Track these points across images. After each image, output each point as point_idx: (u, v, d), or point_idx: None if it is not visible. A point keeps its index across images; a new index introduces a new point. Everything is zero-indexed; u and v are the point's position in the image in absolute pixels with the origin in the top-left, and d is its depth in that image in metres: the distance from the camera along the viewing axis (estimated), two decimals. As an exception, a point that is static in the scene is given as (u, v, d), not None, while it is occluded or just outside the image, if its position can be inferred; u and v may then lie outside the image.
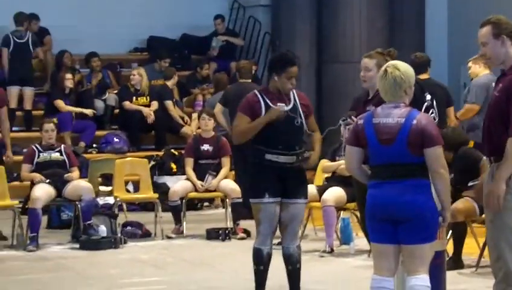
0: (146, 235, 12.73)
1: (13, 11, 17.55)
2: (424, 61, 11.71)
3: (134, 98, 16.36)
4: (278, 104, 7.85)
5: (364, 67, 8.93)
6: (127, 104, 16.37)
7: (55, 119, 14.25)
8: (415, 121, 6.70)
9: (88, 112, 16.41)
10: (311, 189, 11.55)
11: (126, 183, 13.51)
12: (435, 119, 8.53)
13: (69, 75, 16.43)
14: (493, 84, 11.21)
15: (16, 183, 12.59)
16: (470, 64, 12.76)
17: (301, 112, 7.94)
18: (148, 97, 16.53)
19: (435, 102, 9.33)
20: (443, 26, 19.26)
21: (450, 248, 9.54)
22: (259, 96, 8.02)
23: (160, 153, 15.52)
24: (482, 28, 7.48)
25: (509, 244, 6.92)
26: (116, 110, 16.85)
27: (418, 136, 6.65)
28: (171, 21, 19.54)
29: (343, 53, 17.96)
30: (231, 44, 19.70)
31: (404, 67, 7.01)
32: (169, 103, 16.32)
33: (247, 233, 12.11)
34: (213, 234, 12.26)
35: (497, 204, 6.67)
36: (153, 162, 14.67)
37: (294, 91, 8.06)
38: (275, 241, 8.34)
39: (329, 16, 18.85)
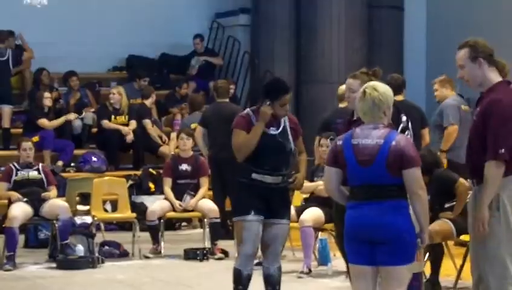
0: (123, 255, 12.73)
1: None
2: (399, 83, 11.71)
3: (112, 116, 16.32)
4: (271, 128, 7.87)
5: (349, 88, 8.86)
6: (105, 122, 16.32)
7: (35, 138, 14.28)
8: (394, 143, 6.74)
9: (72, 116, 16.41)
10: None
11: (104, 202, 13.50)
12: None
13: (47, 94, 16.38)
14: (462, 105, 11.27)
15: (-6, 201, 12.50)
16: (436, 86, 12.81)
17: (290, 135, 7.97)
18: (126, 116, 16.49)
19: (410, 123, 9.52)
20: (421, 47, 19.37)
21: (427, 270, 9.60)
22: (251, 115, 7.98)
23: (139, 173, 15.50)
24: (460, 50, 7.54)
25: (492, 268, 6.99)
26: (94, 129, 16.79)
27: (397, 158, 6.68)
28: (150, 40, 19.56)
29: (321, 73, 17.96)
30: (210, 63, 19.69)
31: (383, 89, 7.06)
32: (147, 122, 16.28)
33: (225, 253, 12.17)
34: (191, 254, 12.25)
35: (483, 230, 6.78)
36: (131, 182, 14.66)
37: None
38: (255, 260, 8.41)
39: (308, 36, 18.85)
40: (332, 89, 11.36)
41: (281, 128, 7.92)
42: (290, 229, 8.18)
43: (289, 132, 7.97)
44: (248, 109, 8.22)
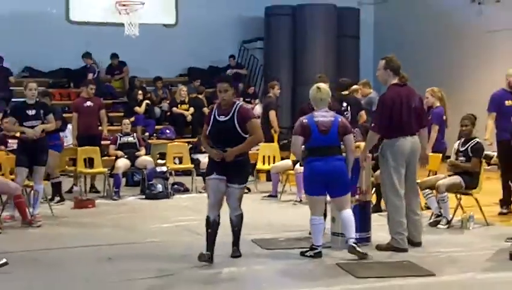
0: (186, 190, 12.98)
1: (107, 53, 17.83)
2: (346, 84, 11.84)
3: (179, 105, 16.56)
4: (221, 116, 7.19)
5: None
6: (174, 109, 16.61)
7: (131, 119, 14.52)
8: (339, 119, 7.63)
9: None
10: (287, 162, 11.83)
11: (174, 158, 13.67)
12: (348, 118, 9.78)
13: (140, 92, 16.66)
14: (377, 97, 11.39)
15: (106, 158, 12.69)
16: (359, 87, 13.11)
17: (236, 121, 7.13)
18: (187, 105, 16.71)
19: (349, 108, 10.90)
20: (370, 62, 19.34)
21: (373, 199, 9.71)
22: (214, 108, 7.36)
23: (195, 140, 15.44)
24: (381, 61, 8.12)
25: (382, 186, 8.14)
26: (168, 113, 16.98)
27: (341, 129, 7.54)
28: (202, 57, 19.64)
29: (309, 79, 17.81)
30: (239, 73, 19.74)
31: (326, 87, 7.92)
32: (204, 110, 16.24)
33: (248, 189, 12.15)
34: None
35: (366, 162, 8.25)
36: (190, 145, 14.73)
37: (238, 105, 7.33)
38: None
39: (301, 56, 19.04)
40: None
41: (229, 116, 7.13)
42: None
43: (235, 119, 7.12)
44: (217, 103, 7.44)
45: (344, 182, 7.63)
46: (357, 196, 8.14)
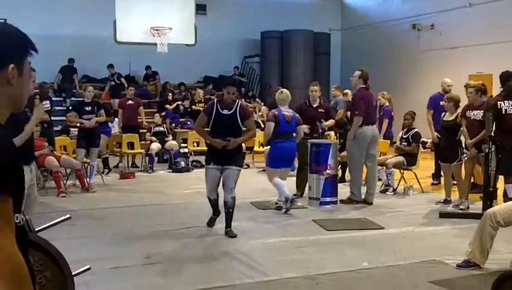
0: (202, 166, 12.61)
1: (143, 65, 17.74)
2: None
3: (197, 104, 16.44)
4: (224, 110, 6.26)
5: (314, 90, 8.98)
6: (194, 107, 16.45)
7: (162, 114, 14.45)
8: (297, 115, 7.83)
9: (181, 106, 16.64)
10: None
11: (193, 142, 13.60)
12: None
13: (170, 94, 16.57)
14: (342, 98, 11.06)
15: (143, 142, 12.64)
16: (332, 90, 12.87)
17: (238, 116, 6.27)
18: (203, 104, 16.56)
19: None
20: (337, 74, 19.38)
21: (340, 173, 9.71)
22: (215, 103, 6.42)
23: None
24: (356, 71, 8.12)
25: (351, 160, 8.33)
26: (189, 110, 16.88)
27: (298, 121, 7.79)
28: (214, 68, 19.46)
29: (294, 83, 17.95)
30: (241, 80, 19.58)
31: (287, 91, 8.20)
32: None
33: (248, 165, 12.12)
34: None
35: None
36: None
37: (239, 103, 6.44)
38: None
39: (287, 67, 18.94)
40: (301, 92, 11.26)
41: (232, 111, 6.25)
42: (239, 173, 6.41)
43: (238, 114, 6.26)
44: (215, 98, 6.68)
45: (293, 158, 8.21)
46: (327, 171, 8.15)
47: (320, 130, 8.76)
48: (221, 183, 6.48)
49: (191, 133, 13.69)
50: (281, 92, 8.21)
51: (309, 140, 8.41)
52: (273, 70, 19.28)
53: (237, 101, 6.43)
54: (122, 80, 17.15)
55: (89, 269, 3.24)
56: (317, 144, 8.34)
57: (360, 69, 8.54)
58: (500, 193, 7.72)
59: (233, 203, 6.39)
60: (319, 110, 8.86)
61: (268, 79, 18.94)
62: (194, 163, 12.74)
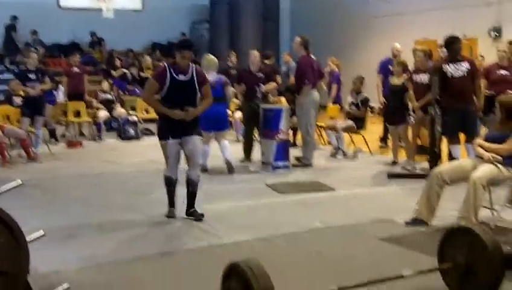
0: (152, 134, 12.62)
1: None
2: (266, 55, 11.40)
3: (145, 71, 16.11)
4: (180, 75, 5.45)
5: (253, 54, 9.08)
6: (142, 74, 16.14)
7: (110, 81, 14.18)
8: (223, 79, 7.83)
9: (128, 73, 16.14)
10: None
11: (142, 110, 13.40)
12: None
13: (117, 60, 16.19)
14: (293, 64, 10.96)
15: (89, 110, 12.37)
16: (284, 56, 12.80)
17: (196, 82, 5.51)
18: (152, 71, 16.24)
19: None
20: (287, 40, 19.38)
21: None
22: (167, 67, 5.54)
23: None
24: (297, 38, 8.15)
25: (303, 123, 8.42)
26: (137, 77, 16.54)
27: (225, 85, 7.84)
28: (162, 34, 19.19)
29: (244, 49, 17.61)
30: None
31: (213, 58, 8.25)
32: None
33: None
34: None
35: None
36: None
37: (194, 67, 5.60)
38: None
39: (236, 32, 18.78)
40: (245, 56, 11.16)
41: (189, 76, 5.47)
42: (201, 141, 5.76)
43: (195, 79, 5.51)
44: (164, 63, 5.86)
45: (223, 121, 8.25)
46: (280, 136, 8.23)
47: (259, 95, 8.87)
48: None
49: (140, 101, 13.48)
50: (205, 58, 8.43)
51: (262, 105, 8.52)
52: (223, 36, 19.06)
53: (191, 64, 5.60)
54: (40, 48, 16.64)
55: (43, 235, 3.22)
56: (269, 109, 8.41)
57: (302, 36, 8.65)
58: (444, 154, 7.98)
59: (198, 181, 5.73)
60: (258, 75, 8.95)
61: (217, 45, 18.76)
62: (144, 131, 12.61)
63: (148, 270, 4.31)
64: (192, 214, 5.69)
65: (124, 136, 11.97)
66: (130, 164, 9.12)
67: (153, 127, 12.88)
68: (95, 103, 12.47)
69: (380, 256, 4.59)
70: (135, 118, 12.56)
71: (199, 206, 5.82)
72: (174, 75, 5.46)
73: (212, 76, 7.83)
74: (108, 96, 12.78)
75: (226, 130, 8.51)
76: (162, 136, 5.61)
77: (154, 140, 11.64)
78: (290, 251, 4.72)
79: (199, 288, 3.92)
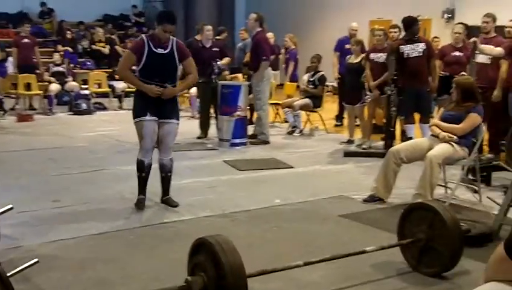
0: (104, 108, 12.58)
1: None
2: (219, 30, 11.07)
3: (97, 43, 15.81)
4: (159, 49, 5.04)
5: (208, 29, 9.05)
6: (93, 46, 15.80)
7: (62, 53, 13.85)
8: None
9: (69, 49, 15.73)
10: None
11: (94, 84, 13.16)
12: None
13: (68, 32, 15.79)
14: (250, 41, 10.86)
15: (40, 83, 12.09)
16: (241, 32, 12.37)
17: (176, 56, 5.09)
18: (104, 43, 15.97)
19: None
20: (242, 14, 19.28)
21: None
22: (145, 40, 5.09)
23: (110, 70, 14.51)
24: (252, 14, 8.19)
25: (260, 101, 8.45)
26: (88, 49, 16.19)
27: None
28: (114, 6, 18.86)
29: (195, 22, 17.52)
30: (138, 21, 19.06)
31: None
32: (116, 46, 15.65)
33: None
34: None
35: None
36: (107, 74, 14.21)
37: (174, 40, 5.15)
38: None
39: (192, 7, 18.57)
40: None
41: (168, 50, 5.06)
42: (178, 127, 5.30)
43: (176, 53, 5.10)
44: (144, 35, 5.29)
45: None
46: (238, 112, 8.23)
47: (216, 70, 8.83)
48: None
49: (92, 74, 13.26)
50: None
51: (220, 82, 8.51)
52: (177, 11, 18.66)
53: (172, 38, 5.14)
54: None
55: (11, 208, 3.16)
56: (228, 86, 8.40)
57: (257, 12, 8.66)
58: (397, 133, 8.16)
59: (172, 166, 5.33)
60: (213, 49, 8.92)
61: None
62: (96, 105, 12.42)
63: (110, 246, 4.28)
64: (167, 201, 5.34)
65: (75, 110, 11.74)
66: (83, 139, 8.96)
67: (105, 101, 12.78)
68: (46, 75, 12.16)
69: (340, 232, 4.68)
70: (87, 92, 12.34)
71: (159, 183, 5.76)
72: (153, 48, 5.04)
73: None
74: (60, 69, 12.48)
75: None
76: (138, 114, 5.13)
77: (106, 115, 11.89)
78: (251, 227, 4.75)
79: (164, 263, 3.91)
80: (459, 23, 8.64)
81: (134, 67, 5.24)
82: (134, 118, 5.18)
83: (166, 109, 5.15)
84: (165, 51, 5.07)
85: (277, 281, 3.50)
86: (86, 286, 3.56)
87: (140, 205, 5.24)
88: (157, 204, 5.36)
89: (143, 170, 5.25)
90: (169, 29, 5.04)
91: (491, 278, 1.94)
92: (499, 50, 6.89)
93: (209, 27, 9.12)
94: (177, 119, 5.27)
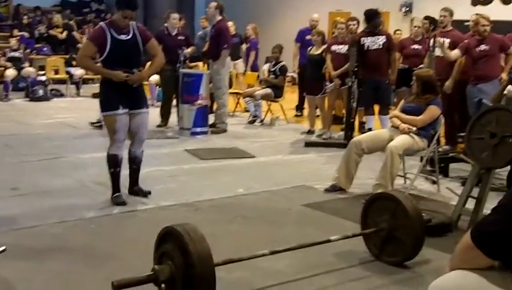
0: (62, 95, 12.36)
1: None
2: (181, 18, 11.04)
3: (54, 29, 15.47)
4: (121, 35, 4.82)
5: (174, 17, 8.96)
6: (51, 32, 15.46)
7: (18, 38, 13.48)
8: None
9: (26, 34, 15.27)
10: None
11: (51, 70, 12.91)
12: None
13: (25, 17, 15.37)
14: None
15: (-4, 68, 11.82)
16: (202, 21, 12.22)
17: (140, 40, 4.90)
18: (61, 29, 15.65)
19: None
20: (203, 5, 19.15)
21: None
22: (105, 27, 4.83)
23: (67, 56, 14.40)
24: (212, 3, 8.16)
25: (220, 90, 8.49)
26: (45, 35, 15.83)
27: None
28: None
29: (158, 12, 17.04)
30: (98, 9, 18.75)
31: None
32: (73, 32, 15.38)
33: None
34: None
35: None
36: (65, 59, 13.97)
37: (134, 24, 4.92)
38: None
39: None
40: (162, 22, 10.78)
41: (131, 35, 4.84)
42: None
43: (138, 38, 4.89)
44: (102, 23, 4.98)
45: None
46: (199, 101, 8.19)
47: (182, 58, 8.79)
48: None
49: (50, 60, 13.00)
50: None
51: (182, 70, 8.43)
52: (136, -1, 18.54)
53: (131, 22, 4.91)
54: None
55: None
56: (189, 74, 8.33)
57: (217, 1, 8.61)
58: (356, 124, 8.26)
59: (142, 158, 5.18)
60: (179, 37, 8.86)
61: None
62: (53, 92, 12.19)
63: (72, 235, 4.21)
64: (138, 192, 5.18)
65: (32, 96, 11.50)
66: (41, 126, 8.78)
67: (63, 88, 12.53)
68: (2, 60, 11.85)
69: (304, 221, 4.71)
70: (44, 78, 12.08)
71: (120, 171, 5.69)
72: (115, 35, 4.81)
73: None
74: (16, 54, 12.17)
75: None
76: (109, 107, 4.83)
77: (64, 101, 11.68)
78: (216, 216, 4.74)
79: (129, 252, 3.86)
80: (426, 17, 8.67)
81: (98, 60, 4.98)
82: (103, 110, 4.90)
83: (137, 97, 4.96)
84: (128, 37, 4.87)
85: (243, 271, 3.51)
86: (48, 276, 3.49)
87: (121, 201, 4.95)
88: (122, 194, 5.26)
89: (117, 165, 4.98)
90: (129, 15, 4.81)
91: (457, 266, 1.99)
92: (455, 53, 7.02)
93: (176, 15, 9.02)
94: (147, 107, 5.11)
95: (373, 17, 7.82)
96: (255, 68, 11.53)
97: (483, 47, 6.86)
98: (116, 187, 5.04)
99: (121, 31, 4.85)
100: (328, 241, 3.65)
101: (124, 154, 5.08)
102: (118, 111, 4.84)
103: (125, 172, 5.13)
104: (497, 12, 8.82)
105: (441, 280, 1.99)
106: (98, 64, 4.96)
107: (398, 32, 11.58)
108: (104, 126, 5.26)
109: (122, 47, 4.83)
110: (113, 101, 4.84)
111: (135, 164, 5.17)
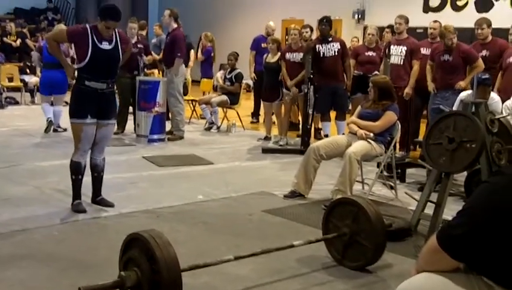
0: (16, 103, 12.03)
1: None
2: (142, 25, 10.86)
3: (8, 36, 15.07)
4: (103, 43, 4.71)
5: (133, 27, 8.87)
6: (4, 39, 15.05)
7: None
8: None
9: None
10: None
11: (5, 78, 12.54)
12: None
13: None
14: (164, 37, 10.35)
15: None
16: (155, 28, 11.72)
17: (120, 49, 4.82)
18: (15, 37, 15.26)
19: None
20: (156, 13, 19.03)
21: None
22: (88, 29, 4.72)
23: (21, 64, 14.00)
24: (166, 10, 8.10)
25: (173, 97, 8.33)
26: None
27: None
28: (25, 0, 18.05)
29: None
30: (54, 18, 18.38)
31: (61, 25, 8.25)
32: (27, 40, 15.03)
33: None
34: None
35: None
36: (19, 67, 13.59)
37: (117, 32, 4.86)
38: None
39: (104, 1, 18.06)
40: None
41: (113, 44, 4.76)
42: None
43: (119, 47, 4.82)
44: (87, 25, 4.89)
45: (60, 86, 8.55)
46: (156, 108, 8.10)
47: (141, 65, 8.70)
48: None
49: (4, 68, 12.64)
50: (56, 27, 8.72)
51: (138, 77, 8.32)
52: (90, 4, 18.16)
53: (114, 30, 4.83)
54: None
55: None
56: (145, 82, 8.23)
57: (171, 9, 8.57)
58: (312, 130, 8.32)
59: (104, 165, 5.08)
60: (138, 45, 8.76)
61: (84, 14, 17.89)
62: (8, 99, 11.86)
63: (34, 243, 4.06)
64: (101, 202, 5.04)
65: (-15, 104, 11.14)
66: (-3, 134, 8.52)
67: (18, 96, 12.19)
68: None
69: (265, 227, 4.69)
70: (-2, 87, 11.75)
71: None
72: (97, 42, 4.70)
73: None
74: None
75: (63, 95, 8.79)
76: (78, 114, 4.74)
77: (19, 109, 11.36)
78: (177, 223, 4.67)
79: (92, 259, 3.76)
80: (390, 26, 8.74)
81: (75, 66, 4.93)
82: (72, 117, 4.78)
83: (106, 108, 4.86)
84: (110, 46, 4.77)
85: (207, 276, 3.46)
86: (10, 284, 3.36)
87: (81, 209, 4.84)
88: (83, 202, 5.13)
89: (80, 172, 4.88)
90: (112, 25, 4.71)
91: (423, 269, 2.01)
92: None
93: (133, 25, 8.90)
94: (115, 118, 5.11)
95: (325, 25, 7.92)
96: (208, 75, 11.46)
97: (447, 57, 6.92)
98: (76, 194, 4.92)
99: (103, 38, 4.75)
100: (292, 246, 3.64)
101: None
102: (86, 120, 4.75)
103: (87, 178, 5.02)
104: (448, 19, 9.02)
105: (407, 283, 1.99)
106: (75, 67, 4.91)
107: (354, 39, 11.73)
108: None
109: (103, 57, 4.73)
110: (82, 110, 4.74)
111: (96, 171, 5.05)
